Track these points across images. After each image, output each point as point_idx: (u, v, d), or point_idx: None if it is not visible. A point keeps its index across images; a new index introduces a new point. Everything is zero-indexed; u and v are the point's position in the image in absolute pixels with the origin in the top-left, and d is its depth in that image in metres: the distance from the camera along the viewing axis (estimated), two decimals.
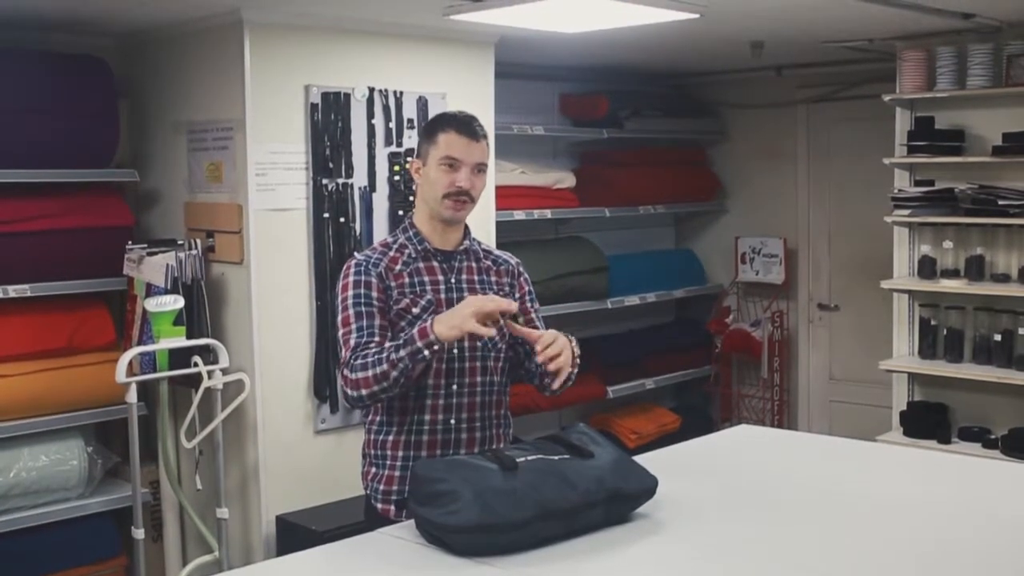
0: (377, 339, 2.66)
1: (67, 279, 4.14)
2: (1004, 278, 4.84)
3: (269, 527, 4.22)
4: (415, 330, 2.57)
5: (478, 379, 2.80)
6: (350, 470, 4.26)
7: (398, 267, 2.76)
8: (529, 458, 2.42)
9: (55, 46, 4.30)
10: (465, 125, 2.77)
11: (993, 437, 4.85)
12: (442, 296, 2.76)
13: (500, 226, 4.97)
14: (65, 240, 4.13)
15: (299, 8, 4.08)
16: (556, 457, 2.45)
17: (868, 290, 5.76)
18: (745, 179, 6.81)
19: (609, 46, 5.12)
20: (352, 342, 2.66)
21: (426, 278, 2.77)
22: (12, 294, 3.99)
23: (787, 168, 6.60)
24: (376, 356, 2.60)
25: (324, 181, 4.28)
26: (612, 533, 2.41)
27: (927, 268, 5.02)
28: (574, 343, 2.76)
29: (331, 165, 4.30)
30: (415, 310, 2.72)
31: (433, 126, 2.81)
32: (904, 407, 5.17)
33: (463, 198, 2.76)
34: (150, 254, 4.11)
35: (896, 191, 5.11)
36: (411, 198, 4.53)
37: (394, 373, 2.57)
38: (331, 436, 4.39)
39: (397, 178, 4.48)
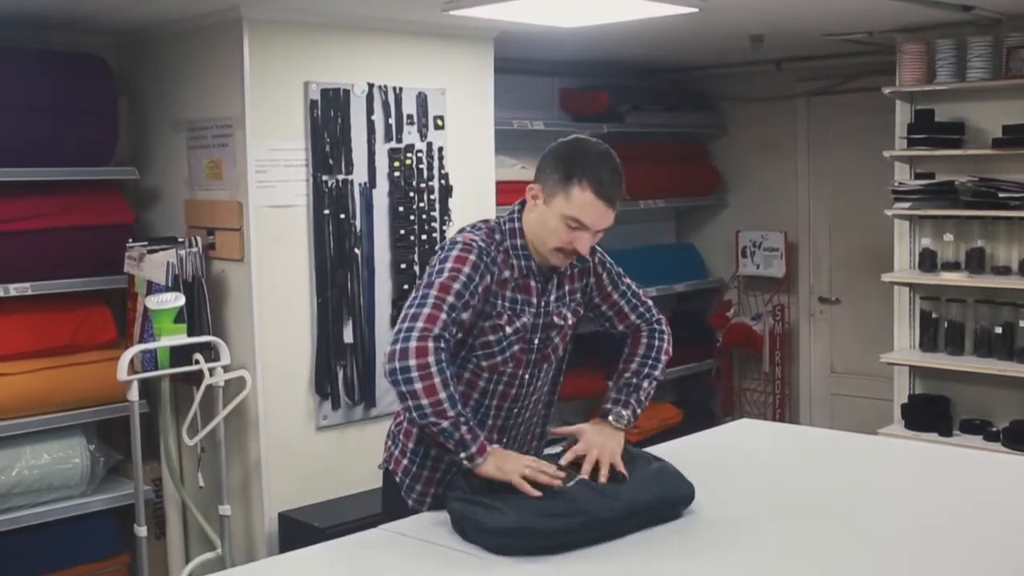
0: (454, 331, 2.46)
1: (68, 277, 4.14)
2: (1005, 271, 4.84)
3: (271, 524, 4.22)
4: (479, 441, 2.39)
5: (533, 398, 2.75)
6: (352, 467, 4.28)
7: (506, 275, 2.57)
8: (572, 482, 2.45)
9: (54, 44, 4.30)
10: (608, 190, 2.47)
11: (994, 429, 4.85)
12: (531, 320, 2.62)
13: None
14: (66, 238, 4.13)
15: (298, 5, 4.08)
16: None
17: (869, 283, 5.76)
18: (745, 173, 6.81)
19: (609, 40, 5.12)
20: (442, 317, 2.41)
21: (524, 297, 2.60)
22: (13, 292, 3.99)
23: (787, 162, 6.60)
24: (454, 396, 2.38)
25: (324, 177, 4.28)
26: None
27: (928, 261, 5.02)
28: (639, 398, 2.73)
29: (331, 161, 4.29)
30: (508, 329, 2.58)
31: (571, 169, 2.48)
32: (905, 400, 5.17)
33: (573, 256, 2.59)
34: (151, 252, 4.10)
35: (896, 184, 5.11)
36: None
37: (444, 424, 2.37)
38: (333, 432, 4.39)
39: (397, 174, 4.48)
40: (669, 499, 2.47)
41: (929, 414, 5.01)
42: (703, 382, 6.89)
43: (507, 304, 2.58)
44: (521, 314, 2.60)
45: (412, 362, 2.36)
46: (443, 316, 2.41)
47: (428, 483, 2.69)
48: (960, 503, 2.64)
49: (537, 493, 2.35)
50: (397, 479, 2.74)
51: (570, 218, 2.49)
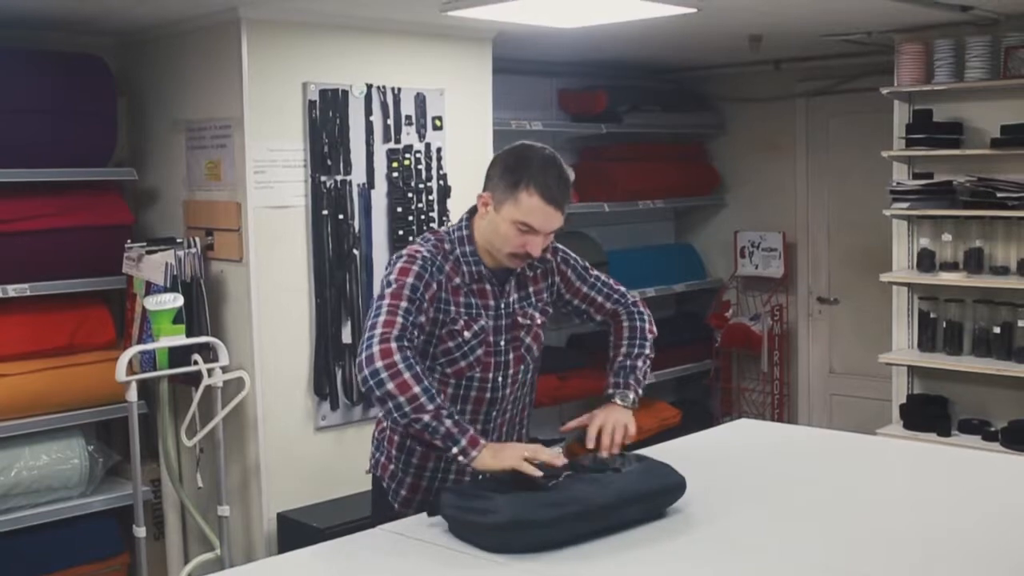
0: (416, 334, 2.52)
1: (67, 278, 4.15)
2: (1003, 270, 4.84)
3: (270, 524, 4.23)
4: (468, 434, 2.39)
5: (511, 399, 2.78)
6: (351, 467, 4.28)
7: (456, 281, 2.62)
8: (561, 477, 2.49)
9: (53, 45, 4.30)
10: (554, 193, 2.53)
11: (993, 429, 4.85)
12: (491, 323, 2.66)
13: None
14: (64, 239, 4.13)
15: (296, 5, 4.08)
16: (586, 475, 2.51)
17: (867, 283, 5.76)
18: (744, 173, 6.81)
19: (608, 41, 5.12)
20: (399, 320, 2.47)
21: (479, 301, 2.65)
22: (12, 293, 4.00)
23: (786, 162, 6.60)
24: (430, 389, 2.40)
25: (323, 178, 4.28)
26: None
27: (926, 261, 5.02)
28: (640, 372, 2.78)
29: (329, 162, 4.29)
30: (467, 334, 2.62)
31: (518, 176, 2.53)
32: (904, 400, 5.17)
33: (528, 259, 2.64)
34: (149, 252, 4.11)
35: (895, 184, 5.11)
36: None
37: (424, 418, 2.38)
38: (331, 433, 4.39)
39: (396, 175, 4.48)
40: (660, 487, 2.49)
41: (927, 414, 5.02)
42: (702, 382, 6.89)
43: (462, 310, 2.63)
44: (478, 317, 2.64)
45: (379, 364, 2.40)
46: (399, 319, 2.48)
47: (413, 489, 2.74)
48: (959, 503, 2.64)
49: (539, 473, 2.36)
50: (384, 484, 2.79)
51: (520, 223, 2.54)
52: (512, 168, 2.57)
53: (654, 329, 2.89)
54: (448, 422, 2.40)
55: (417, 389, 2.39)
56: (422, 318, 2.55)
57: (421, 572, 2.25)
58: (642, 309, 2.90)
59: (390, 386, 2.39)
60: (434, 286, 2.58)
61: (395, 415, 2.42)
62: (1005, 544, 2.33)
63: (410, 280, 2.54)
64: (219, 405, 4.09)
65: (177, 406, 4.30)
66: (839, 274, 6.48)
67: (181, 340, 4.03)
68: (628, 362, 2.80)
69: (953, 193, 4.89)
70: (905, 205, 5.02)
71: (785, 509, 2.59)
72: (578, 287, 2.84)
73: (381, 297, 2.54)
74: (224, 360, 4.10)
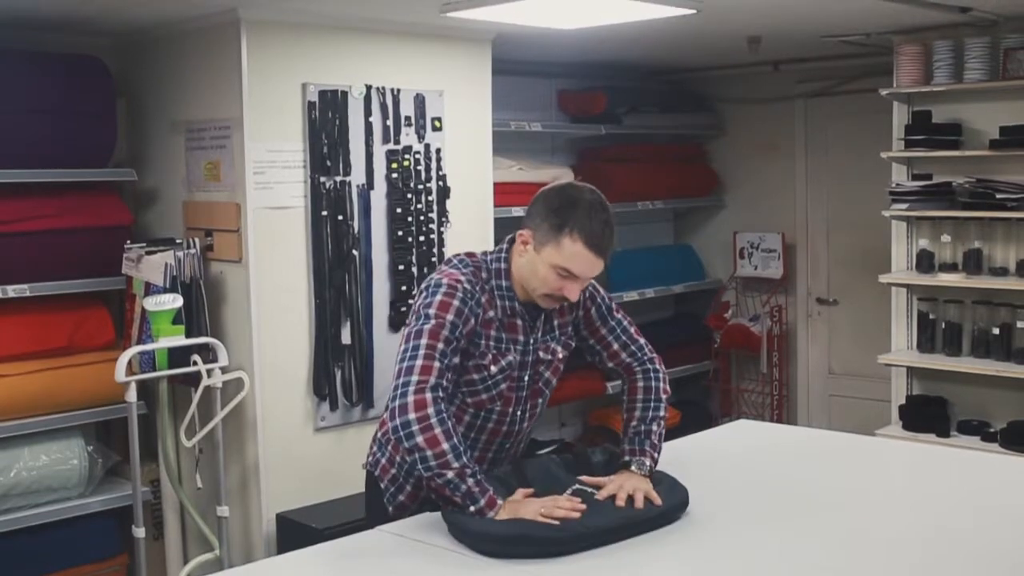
0: (449, 377, 2.46)
1: (66, 279, 4.14)
2: (1002, 272, 4.84)
3: (269, 525, 4.23)
4: (488, 495, 2.36)
5: (525, 429, 2.76)
6: (350, 468, 4.28)
7: (490, 315, 2.56)
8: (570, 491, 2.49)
9: (53, 46, 4.30)
10: (600, 241, 2.45)
11: (992, 430, 4.85)
12: (518, 359, 2.62)
13: (498, 223, 4.97)
14: (64, 240, 4.13)
15: (296, 6, 4.08)
16: (590, 489, 2.51)
17: (866, 284, 5.76)
18: (743, 174, 6.81)
19: (607, 42, 5.12)
20: (436, 366, 2.41)
21: (509, 336, 2.60)
22: (11, 294, 4.00)
23: (785, 163, 6.60)
24: (458, 447, 2.36)
25: (322, 179, 4.28)
26: None
27: (925, 262, 5.02)
28: (650, 462, 2.63)
29: (329, 163, 4.29)
30: (493, 368, 2.58)
31: (563, 219, 2.45)
32: (903, 401, 5.17)
33: (562, 302, 2.58)
34: (149, 253, 4.11)
35: (894, 185, 5.11)
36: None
37: (448, 475, 2.35)
38: (331, 434, 4.39)
39: (395, 176, 4.49)
40: (664, 509, 2.47)
41: (927, 415, 5.02)
42: (701, 383, 6.89)
43: (491, 344, 2.57)
44: (507, 352, 2.59)
45: (412, 416, 2.36)
46: (436, 364, 2.42)
47: (411, 497, 2.72)
48: (958, 504, 2.64)
49: (555, 523, 2.32)
50: (382, 485, 2.76)
51: (560, 268, 2.47)
52: (557, 210, 2.48)
53: (668, 389, 2.79)
54: (470, 481, 2.36)
55: (446, 446, 2.35)
56: (456, 359, 2.50)
57: (421, 573, 2.26)
58: (658, 367, 2.80)
59: (419, 439, 2.35)
60: (472, 321, 2.52)
61: (420, 467, 2.38)
62: (1005, 544, 2.33)
63: (450, 318, 2.47)
64: (218, 406, 4.09)
65: (176, 407, 4.30)
66: (838, 275, 6.48)
67: (180, 341, 4.03)
68: (643, 427, 2.70)
69: (952, 194, 4.89)
70: (904, 206, 5.03)
71: (785, 509, 2.59)
72: (597, 327, 2.76)
73: (419, 334, 2.45)
74: (223, 361, 4.10)
